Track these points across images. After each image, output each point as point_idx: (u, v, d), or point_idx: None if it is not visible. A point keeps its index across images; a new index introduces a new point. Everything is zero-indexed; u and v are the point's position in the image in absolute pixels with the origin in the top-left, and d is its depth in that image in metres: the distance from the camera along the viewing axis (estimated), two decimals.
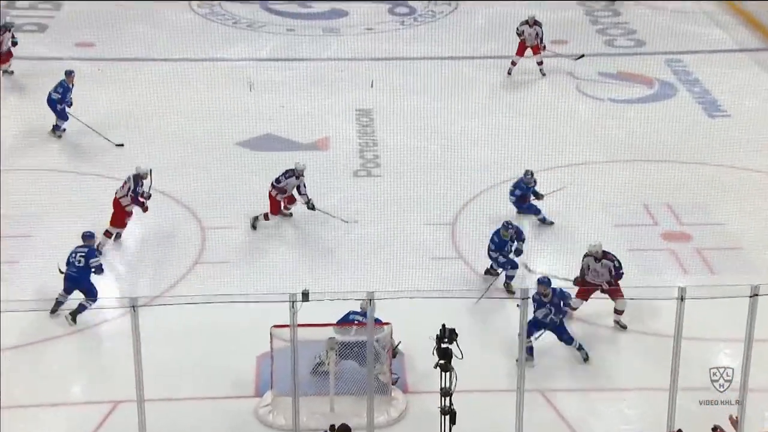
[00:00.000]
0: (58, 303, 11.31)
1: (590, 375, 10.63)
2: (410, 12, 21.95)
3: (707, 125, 16.45)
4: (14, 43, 17.87)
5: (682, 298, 8.89)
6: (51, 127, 15.70)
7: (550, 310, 10.47)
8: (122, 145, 15.40)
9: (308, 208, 13.25)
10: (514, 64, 18.33)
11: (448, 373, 8.47)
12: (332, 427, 9.03)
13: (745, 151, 15.34)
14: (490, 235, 11.98)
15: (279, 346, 9.71)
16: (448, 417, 8.54)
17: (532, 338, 10.35)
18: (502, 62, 18.80)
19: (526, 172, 13.40)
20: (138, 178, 12.78)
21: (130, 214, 12.86)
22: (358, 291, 10.25)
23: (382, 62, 19.12)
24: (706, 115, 16.86)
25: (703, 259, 12.75)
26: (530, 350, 10.38)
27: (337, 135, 16.12)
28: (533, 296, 10.31)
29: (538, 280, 10.78)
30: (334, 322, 10.20)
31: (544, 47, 18.17)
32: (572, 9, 21.78)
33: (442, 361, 8.54)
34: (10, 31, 17.80)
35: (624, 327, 11.25)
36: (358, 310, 10.27)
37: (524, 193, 13.46)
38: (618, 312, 11.29)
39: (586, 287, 11.08)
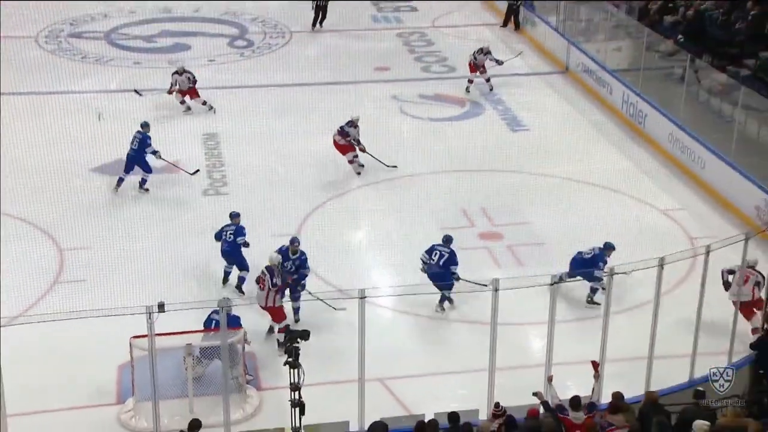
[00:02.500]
0: (226, 274, 12.20)
1: (424, 362, 10.82)
2: (249, 44, 21.76)
3: (511, 138, 17.14)
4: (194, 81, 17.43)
5: (496, 289, 9.22)
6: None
7: None
8: (198, 171, 14.94)
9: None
10: (471, 82, 18.94)
11: (296, 370, 8.45)
12: (190, 425, 8.81)
13: (543, 160, 16.09)
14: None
15: (138, 355, 9.40)
16: (297, 409, 8.50)
17: None
18: (333, 88, 18.96)
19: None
20: None
21: None
22: (212, 300, 10.08)
23: (225, 90, 18.83)
24: (510, 130, 17.55)
25: (513, 255, 13.25)
26: None
27: (186, 158, 15.74)
28: None
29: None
30: (194, 329, 9.95)
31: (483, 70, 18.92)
32: (392, 40, 22.21)
33: (290, 359, 8.50)
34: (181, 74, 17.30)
35: None
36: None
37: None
38: None
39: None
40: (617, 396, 9.03)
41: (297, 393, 8.47)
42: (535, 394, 9.07)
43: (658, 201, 14.80)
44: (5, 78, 18.40)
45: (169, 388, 9.57)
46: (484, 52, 18.98)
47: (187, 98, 17.49)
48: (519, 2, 22.70)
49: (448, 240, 11.84)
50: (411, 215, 14.11)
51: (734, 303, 10.69)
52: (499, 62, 19.08)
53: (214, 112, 17.32)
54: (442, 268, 11.45)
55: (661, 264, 9.53)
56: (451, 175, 15.57)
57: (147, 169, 14.60)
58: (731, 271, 10.94)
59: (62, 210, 13.74)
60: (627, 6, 20.79)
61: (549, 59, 21.05)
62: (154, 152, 14.50)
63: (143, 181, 14.67)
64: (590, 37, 20.91)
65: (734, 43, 17.41)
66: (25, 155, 15.43)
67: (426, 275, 11.55)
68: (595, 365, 9.26)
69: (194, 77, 17.49)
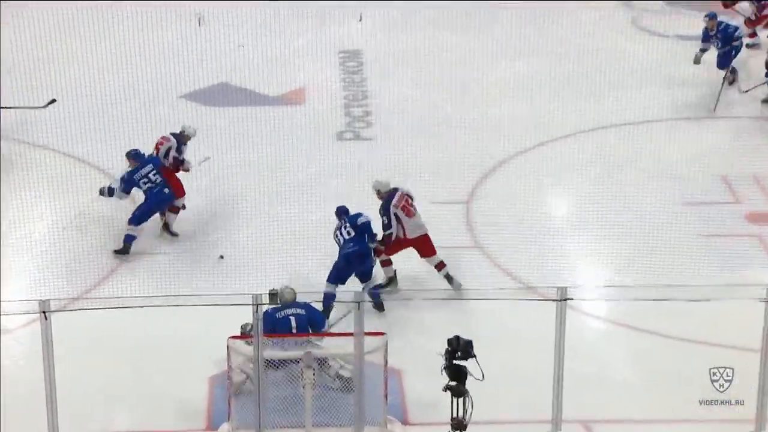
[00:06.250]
0: None
1: (650, 400, 10.58)
2: None
3: None
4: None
5: None
6: None
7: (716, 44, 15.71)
8: (54, 100, 14.97)
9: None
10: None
11: (461, 399, 8.48)
12: None
13: None
14: None
15: (239, 363, 9.68)
16: None
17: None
18: None
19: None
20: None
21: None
22: (340, 290, 10.28)
23: None
24: None
25: None
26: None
27: (315, 85, 16.08)
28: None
29: (706, 15, 15.94)
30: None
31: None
32: None
33: (453, 383, 8.54)
34: None
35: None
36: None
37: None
38: None
39: None
40: None
41: None
42: None
43: None
44: None
45: (278, 413, 9.81)
46: None
47: None
48: None
49: None
50: (637, 182, 13.93)
51: None
52: None
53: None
54: None
55: None
56: (706, 123, 15.26)
57: None
58: None
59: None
60: None
61: None
62: None
63: None
64: None
65: None
66: (93, 74, 16.18)
67: None
68: None
69: None
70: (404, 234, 11.72)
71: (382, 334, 9.95)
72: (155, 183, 12.68)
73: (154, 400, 10.47)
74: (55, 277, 12.10)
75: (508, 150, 14.56)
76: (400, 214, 11.72)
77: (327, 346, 9.94)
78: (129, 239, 12.58)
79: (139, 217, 12.66)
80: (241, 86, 16.06)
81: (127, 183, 12.73)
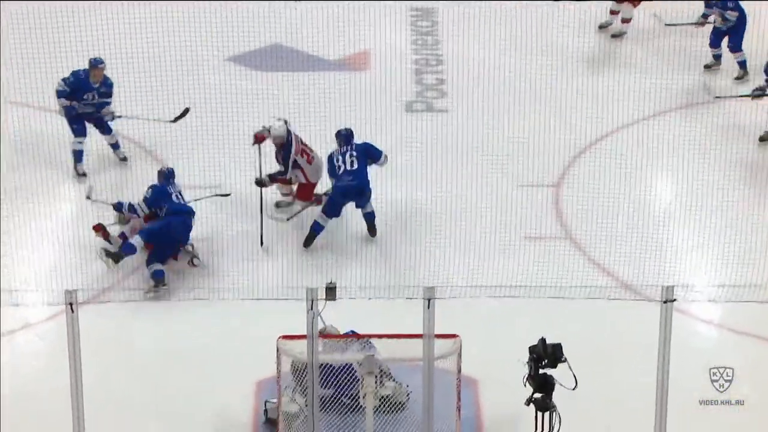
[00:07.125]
0: None
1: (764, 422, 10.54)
2: None
3: None
4: None
5: None
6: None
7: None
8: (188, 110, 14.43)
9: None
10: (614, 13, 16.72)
11: (546, 414, 8.45)
12: None
13: None
14: None
15: (290, 368, 9.72)
16: None
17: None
18: None
19: None
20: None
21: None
22: (408, 285, 10.26)
23: None
24: None
25: None
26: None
27: (382, 47, 16.06)
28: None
29: None
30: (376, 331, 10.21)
31: None
32: None
33: (538, 395, 8.51)
34: None
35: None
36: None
37: None
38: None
39: None
40: None
41: None
42: None
43: None
44: None
45: (337, 425, 9.83)
46: None
47: None
48: None
49: None
50: (757, 164, 13.88)
51: None
52: None
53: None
54: None
55: None
56: None
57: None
58: None
59: (180, 128, 14.28)
60: None
61: None
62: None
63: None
64: None
65: None
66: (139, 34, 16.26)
67: None
68: None
69: None
70: (306, 179, 12.94)
71: (455, 336, 9.94)
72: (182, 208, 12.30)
73: (192, 408, 10.57)
74: (83, 265, 12.24)
75: (605, 125, 14.53)
76: (301, 161, 12.85)
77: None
78: (160, 275, 11.89)
79: (161, 252, 11.98)
80: (295, 48, 16.07)
81: (156, 192, 12.28)
